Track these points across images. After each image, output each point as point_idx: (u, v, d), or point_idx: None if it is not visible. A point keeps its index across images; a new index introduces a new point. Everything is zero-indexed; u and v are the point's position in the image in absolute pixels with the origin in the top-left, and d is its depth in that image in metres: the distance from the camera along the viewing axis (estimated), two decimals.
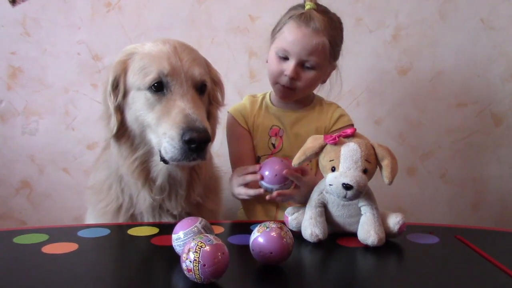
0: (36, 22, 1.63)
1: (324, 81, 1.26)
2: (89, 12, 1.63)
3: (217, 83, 1.10)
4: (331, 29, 1.14)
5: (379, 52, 1.67)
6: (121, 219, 1.04)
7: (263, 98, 1.28)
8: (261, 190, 0.92)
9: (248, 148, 1.23)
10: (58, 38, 1.64)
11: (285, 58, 1.15)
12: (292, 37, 1.13)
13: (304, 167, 0.95)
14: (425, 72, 1.69)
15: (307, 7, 1.15)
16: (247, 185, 1.02)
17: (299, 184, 0.92)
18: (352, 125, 1.22)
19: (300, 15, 1.14)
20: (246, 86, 1.68)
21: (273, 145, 1.21)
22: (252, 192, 0.94)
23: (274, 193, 0.93)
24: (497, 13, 1.64)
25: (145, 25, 1.64)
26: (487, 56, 1.67)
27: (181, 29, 1.65)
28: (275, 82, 1.19)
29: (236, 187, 0.98)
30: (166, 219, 1.04)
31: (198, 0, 1.64)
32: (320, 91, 1.34)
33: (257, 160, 1.22)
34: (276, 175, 0.87)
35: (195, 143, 0.88)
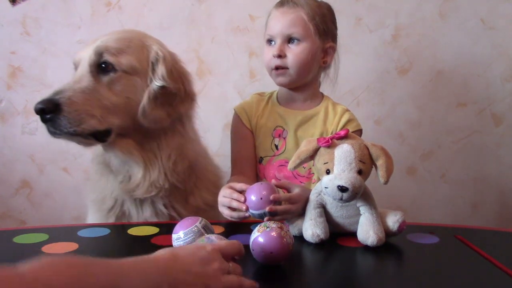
0: (36, 22, 1.63)
1: (325, 62, 1.21)
2: (89, 11, 1.63)
3: (177, 78, 1.03)
4: (308, 4, 1.15)
5: (379, 52, 1.67)
6: (106, 206, 1.06)
7: (270, 96, 1.26)
8: (246, 214, 0.90)
9: (248, 151, 1.22)
10: (58, 38, 1.64)
11: (272, 43, 1.17)
12: (273, 21, 1.17)
13: (288, 183, 0.93)
14: (425, 72, 1.69)
15: None
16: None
17: (290, 202, 0.89)
18: (360, 130, 1.19)
19: (277, 4, 1.19)
20: (246, 86, 1.68)
21: (276, 146, 1.20)
22: (235, 215, 0.92)
23: (267, 209, 0.88)
24: (497, 13, 1.64)
25: (145, 25, 1.64)
26: (487, 56, 1.67)
27: (181, 29, 1.65)
28: (270, 70, 1.18)
29: (221, 205, 0.96)
30: (148, 205, 1.05)
31: (198, 0, 1.64)
32: (325, 88, 1.32)
33: (259, 161, 1.21)
34: (261, 198, 0.84)
35: (38, 114, 0.91)
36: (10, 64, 1.65)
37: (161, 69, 0.98)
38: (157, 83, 0.97)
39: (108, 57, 0.96)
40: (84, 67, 0.97)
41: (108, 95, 0.96)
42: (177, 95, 1.01)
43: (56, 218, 1.71)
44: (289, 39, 1.14)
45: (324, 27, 1.17)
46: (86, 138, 0.96)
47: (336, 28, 1.22)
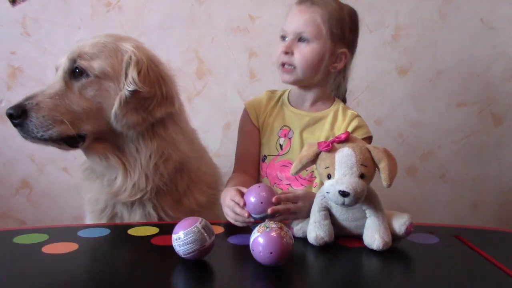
0: (36, 22, 1.63)
1: (335, 68, 1.18)
2: (89, 12, 1.63)
3: (153, 82, 1.00)
4: (328, 6, 1.14)
5: (379, 52, 1.67)
6: (99, 207, 1.06)
7: (282, 95, 1.26)
8: (251, 220, 0.89)
9: (253, 149, 1.22)
10: (58, 38, 1.64)
11: (284, 39, 1.16)
12: (289, 17, 1.16)
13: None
14: (425, 72, 1.69)
15: None
16: None
17: (290, 201, 0.89)
18: (370, 137, 1.16)
19: (298, 0, 1.18)
20: (246, 86, 1.68)
21: (281, 146, 1.20)
22: (240, 219, 0.92)
23: (269, 210, 0.85)
24: (497, 13, 1.64)
25: (145, 25, 1.64)
26: (487, 56, 1.67)
27: (181, 29, 1.65)
28: (278, 66, 1.17)
29: (225, 207, 0.96)
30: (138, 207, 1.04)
31: (198, 0, 1.64)
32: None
33: (263, 159, 1.21)
34: (261, 202, 0.84)
35: (10, 118, 0.93)
36: (10, 64, 1.65)
37: (132, 73, 0.96)
38: (128, 87, 0.96)
39: (80, 62, 0.96)
40: (59, 73, 0.98)
41: (78, 101, 0.95)
42: (152, 99, 0.99)
43: (56, 218, 1.71)
44: (300, 38, 1.13)
45: (339, 32, 1.15)
46: (57, 143, 0.96)
47: (355, 35, 1.19)
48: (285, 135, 1.19)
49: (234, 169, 1.22)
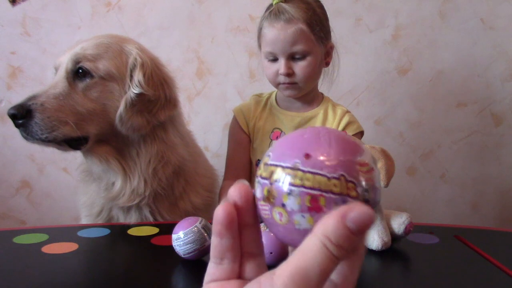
0: (36, 22, 1.63)
1: (327, 64, 1.19)
2: (89, 12, 1.63)
3: (156, 85, 0.99)
4: (304, 12, 1.09)
5: (379, 52, 1.67)
6: (95, 210, 1.05)
7: (268, 97, 1.25)
8: None
9: (243, 155, 1.22)
10: (58, 38, 1.64)
11: (275, 59, 1.13)
12: (270, 37, 1.11)
13: None
14: (425, 72, 1.69)
15: (274, 1, 1.12)
16: None
17: None
18: (361, 132, 1.18)
19: (269, 13, 1.12)
20: (246, 86, 1.68)
21: None
22: None
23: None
24: (497, 13, 1.64)
25: (145, 25, 1.64)
26: (487, 56, 1.67)
27: (181, 29, 1.65)
28: (276, 84, 1.16)
29: None
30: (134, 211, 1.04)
31: (198, 0, 1.64)
32: (323, 86, 1.32)
33: (257, 164, 1.21)
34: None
35: (12, 119, 0.90)
36: (10, 64, 1.65)
37: (138, 76, 0.95)
38: (134, 90, 0.95)
39: (85, 63, 0.95)
40: (61, 73, 0.96)
41: (83, 102, 0.94)
42: (157, 102, 0.98)
43: (56, 218, 1.71)
44: (294, 55, 1.11)
45: (323, 31, 1.13)
46: (60, 145, 0.95)
47: (328, 23, 1.17)
48: (277, 138, 1.19)
49: (225, 175, 1.22)
